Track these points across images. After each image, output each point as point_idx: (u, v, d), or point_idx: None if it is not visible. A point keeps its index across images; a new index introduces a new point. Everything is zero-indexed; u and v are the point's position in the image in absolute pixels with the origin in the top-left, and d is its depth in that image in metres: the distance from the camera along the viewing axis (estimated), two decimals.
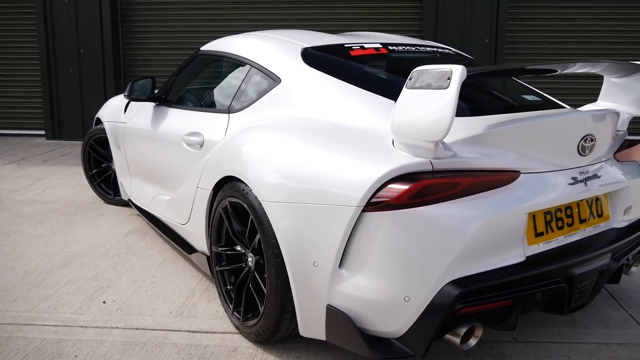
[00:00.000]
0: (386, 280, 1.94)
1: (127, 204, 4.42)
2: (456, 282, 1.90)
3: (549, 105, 2.60)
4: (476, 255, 1.94)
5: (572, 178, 2.18)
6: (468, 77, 1.86)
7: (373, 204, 1.93)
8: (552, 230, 2.17)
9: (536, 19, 7.72)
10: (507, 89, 2.79)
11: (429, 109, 1.85)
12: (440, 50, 3.13)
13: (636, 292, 3.04)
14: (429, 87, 1.87)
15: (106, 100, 8.01)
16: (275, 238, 2.19)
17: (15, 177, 5.85)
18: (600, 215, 2.38)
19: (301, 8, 7.95)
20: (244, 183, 2.39)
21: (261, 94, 2.77)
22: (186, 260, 3.49)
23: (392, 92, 2.34)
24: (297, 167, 2.19)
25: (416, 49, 3.01)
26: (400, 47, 2.96)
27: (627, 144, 2.67)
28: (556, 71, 2.40)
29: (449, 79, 1.83)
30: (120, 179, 4.35)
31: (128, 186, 4.17)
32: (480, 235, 1.93)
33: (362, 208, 1.94)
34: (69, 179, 5.74)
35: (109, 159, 4.64)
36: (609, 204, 2.42)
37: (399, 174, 1.91)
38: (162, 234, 3.49)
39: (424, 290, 1.90)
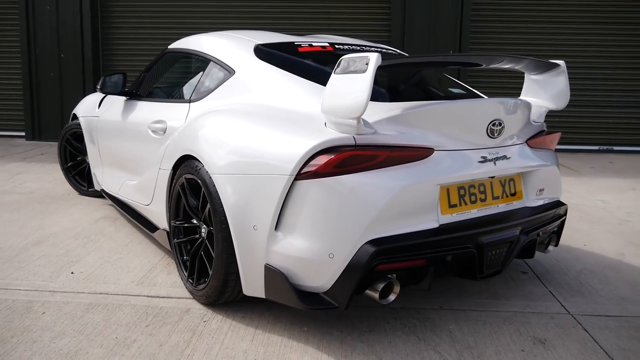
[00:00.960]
0: (314, 240, 2.23)
1: (100, 195, 4.67)
2: (373, 242, 2.20)
3: (470, 96, 2.92)
4: (392, 219, 2.24)
5: (482, 157, 2.49)
6: (389, 65, 2.18)
7: (303, 174, 2.22)
8: (466, 204, 2.48)
9: (498, 32, 8.13)
10: (434, 83, 3.10)
11: (350, 90, 2.16)
12: (383, 50, 3.45)
13: (559, 273, 3.35)
14: (350, 71, 2.18)
15: None
16: (222, 206, 2.47)
17: None
18: (513, 194, 2.69)
19: (274, 13, 8.30)
20: (198, 160, 2.67)
21: (218, 84, 3.07)
22: (151, 241, 3.75)
23: (327, 80, 2.64)
24: (242, 144, 2.48)
25: (361, 48, 3.33)
26: (346, 46, 3.28)
27: (545, 135, 3.00)
28: (481, 65, 2.72)
29: (367, 64, 2.14)
30: (94, 170, 4.60)
31: (100, 176, 4.43)
32: (395, 202, 2.23)
33: (294, 177, 2.24)
34: (46, 174, 5.97)
35: (84, 152, 4.90)
36: (522, 185, 2.74)
37: (326, 147, 2.21)
38: (130, 218, 3.76)
39: (345, 248, 2.19)
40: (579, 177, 6.39)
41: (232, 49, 3.15)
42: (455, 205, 2.44)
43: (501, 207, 2.63)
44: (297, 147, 2.25)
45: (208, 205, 2.60)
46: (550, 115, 7.85)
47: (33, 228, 4.05)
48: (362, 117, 2.25)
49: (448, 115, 2.40)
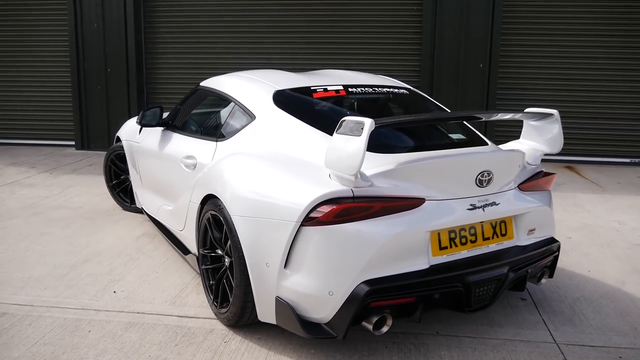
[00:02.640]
0: (316, 279, 2.57)
1: (141, 211, 5.13)
2: (368, 282, 2.53)
3: (470, 143, 3.20)
4: (385, 261, 2.56)
5: (471, 205, 2.78)
6: (381, 125, 2.50)
7: (308, 220, 2.57)
8: (456, 245, 2.77)
9: (527, 45, 8.26)
10: (435, 130, 3.38)
11: (347, 151, 2.49)
12: (395, 91, 3.75)
13: (557, 301, 3.59)
14: (349, 133, 2.51)
15: (129, 115, 8.84)
16: (240, 244, 2.84)
17: (47, 184, 6.64)
18: (504, 235, 2.96)
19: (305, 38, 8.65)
20: (221, 200, 3.04)
21: (240, 127, 3.44)
22: (184, 261, 4.16)
23: None
24: (257, 189, 2.85)
25: (373, 90, 3.64)
26: (359, 89, 3.59)
27: (542, 175, 3.25)
28: (481, 118, 2.99)
29: (362, 128, 2.46)
30: (135, 189, 5.06)
31: (141, 196, 4.88)
32: (388, 247, 2.55)
33: (299, 223, 2.59)
34: (94, 187, 6.49)
35: (127, 172, 5.36)
36: (513, 226, 3.01)
37: (327, 198, 2.55)
38: (166, 237, 4.18)
39: (343, 287, 2.53)
40: (603, 194, 6.51)
41: (254, 95, 3.51)
42: (445, 247, 2.74)
43: (492, 247, 2.91)
44: (303, 197, 2.60)
45: (229, 240, 2.97)
46: (583, 128, 8.07)
47: (81, 246, 4.53)
48: (361, 170, 2.57)
49: (438, 168, 2.70)
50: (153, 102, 9.13)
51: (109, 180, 5.60)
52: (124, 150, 5.25)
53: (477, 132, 3.40)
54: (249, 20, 8.76)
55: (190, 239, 3.65)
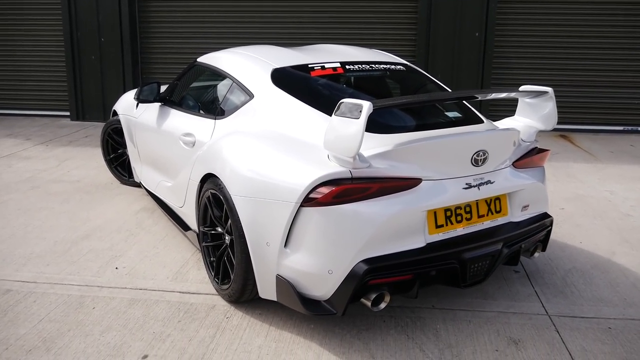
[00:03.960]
0: (316, 258, 2.64)
1: (139, 185, 5.17)
2: (366, 261, 2.60)
3: (466, 121, 3.23)
4: (383, 240, 2.63)
5: (467, 184, 2.83)
6: (378, 107, 2.54)
7: (307, 201, 2.62)
8: (452, 224, 2.84)
9: (525, 13, 8.20)
10: (432, 109, 3.40)
11: (346, 133, 2.52)
12: (392, 67, 3.76)
13: (548, 272, 3.69)
14: (347, 115, 2.54)
15: (124, 86, 8.79)
16: (240, 223, 2.90)
17: (44, 157, 6.65)
18: (498, 212, 3.03)
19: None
20: (221, 179, 3.08)
21: (239, 105, 3.46)
22: (183, 236, 4.22)
23: None
24: (256, 170, 2.89)
25: (370, 67, 3.65)
26: (356, 66, 3.60)
27: (536, 151, 3.30)
28: (477, 97, 3.03)
29: (360, 111, 2.49)
30: (133, 164, 5.09)
31: (139, 171, 4.91)
32: (385, 226, 2.61)
33: (299, 204, 2.64)
34: (90, 160, 6.51)
35: (124, 146, 5.38)
36: (508, 203, 3.07)
37: (326, 180, 2.60)
38: (165, 213, 4.23)
39: (342, 266, 2.60)
40: (596, 163, 6.58)
41: (252, 73, 3.52)
42: (441, 226, 2.81)
43: (486, 224, 2.98)
44: (302, 178, 2.64)
45: (229, 221, 3.03)
46: (577, 96, 8.09)
47: (81, 220, 4.58)
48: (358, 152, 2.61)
49: (434, 149, 2.74)
50: (148, 72, 9.08)
51: (106, 155, 5.62)
52: (120, 125, 5.26)
53: (473, 109, 3.43)
54: None
55: (190, 216, 3.70)
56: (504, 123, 3.43)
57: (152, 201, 5.03)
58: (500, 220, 3.04)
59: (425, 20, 8.15)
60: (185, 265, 3.74)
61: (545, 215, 3.29)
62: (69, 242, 4.13)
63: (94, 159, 6.55)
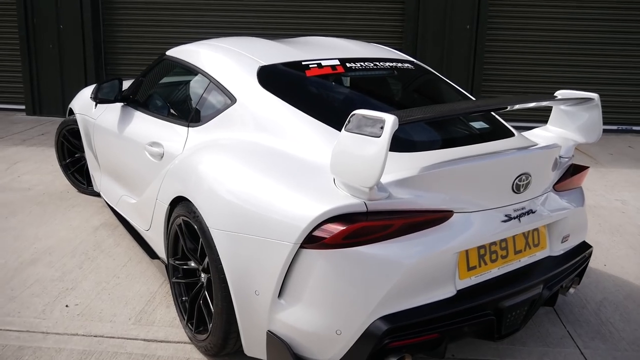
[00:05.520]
0: (320, 314, 2.05)
1: (99, 194, 4.49)
2: (385, 319, 2.02)
3: (495, 134, 2.67)
4: (406, 292, 2.05)
5: (506, 215, 2.28)
6: (405, 122, 1.95)
7: (310, 241, 2.02)
8: (485, 264, 2.28)
9: (517, 4, 7.70)
10: (455, 120, 2.84)
11: (362, 155, 1.93)
12: (399, 65, 3.18)
13: (578, 306, 3.18)
14: (363, 132, 1.95)
15: (86, 78, 8.03)
16: (222, 264, 2.29)
17: None
18: (536, 245, 2.49)
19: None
20: (195, 206, 2.47)
21: (218, 111, 2.84)
22: (150, 261, 3.59)
23: (341, 123, 2.42)
24: (242, 197, 2.27)
25: (374, 65, 3.06)
26: (358, 64, 3.00)
27: (572, 170, 2.76)
28: (506, 108, 2.46)
29: (382, 127, 1.90)
30: (92, 171, 4.42)
31: (99, 181, 4.24)
32: (410, 275, 2.04)
33: (299, 245, 2.04)
34: (45, 163, 5.78)
35: (82, 149, 4.69)
36: (547, 234, 2.53)
37: (334, 214, 2.00)
38: (129, 232, 3.59)
39: (354, 326, 2.02)
40: (597, 167, 6.14)
41: (234, 72, 2.89)
42: (474, 267, 2.25)
43: (523, 260, 2.43)
44: (303, 212, 2.05)
45: (207, 256, 2.42)
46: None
47: (29, 240, 3.90)
48: None
49: (470, 174, 2.18)
50: (112, 63, 8.30)
51: (61, 159, 4.92)
52: (77, 125, 4.57)
53: (500, 119, 2.87)
54: None
55: (157, 242, 3.07)
56: (535, 135, 2.87)
57: (113, 214, 4.36)
58: (538, 255, 2.50)
59: (413, 12, 7.58)
60: (151, 301, 3.12)
61: (585, 245, 2.77)
62: (12, 270, 3.46)
63: (49, 162, 5.81)
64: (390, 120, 1.89)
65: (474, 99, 3.17)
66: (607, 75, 7.84)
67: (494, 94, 7.86)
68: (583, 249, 2.72)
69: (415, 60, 3.39)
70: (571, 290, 2.82)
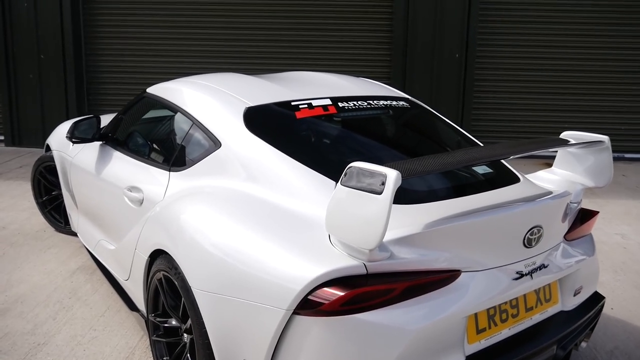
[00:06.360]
0: None
1: (77, 234, 4.26)
2: None
3: (501, 180, 2.49)
4: None
5: (517, 272, 2.09)
6: (407, 177, 1.76)
7: (304, 307, 1.82)
8: (496, 325, 2.09)
9: (506, 33, 7.64)
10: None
11: (361, 214, 1.74)
12: (394, 104, 3.01)
13: (589, 357, 2.99)
14: (362, 188, 1.76)
15: (67, 108, 7.83)
16: (205, 328, 2.08)
17: None
18: (548, 301, 2.30)
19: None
20: (177, 262, 2.25)
21: (201, 155, 2.64)
22: (128, 310, 3.35)
23: (335, 171, 2.24)
24: (229, 254, 2.07)
25: (368, 104, 2.88)
26: (351, 104, 2.83)
27: (580, 216, 2.59)
28: (515, 155, 2.28)
29: (383, 183, 1.71)
30: (69, 211, 4.18)
31: (76, 221, 4.01)
32: (416, 343, 1.84)
33: (292, 311, 1.83)
34: (22, 199, 5.53)
35: (59, 186, 4.46)
36: (559, 289, 2.34)
37: (331, 277, 1.80)
38: (106, 277, 3.35)
39: None
40: (594, 198, 6.00)
41: (218, 113, 2.69)
42: (483, 330, 2.05)
43: (535, 318, 2.24)
44: (296, 273, 1.85)
45: (189, 318, 2.20)
46: (563, 121, 7.54)
47: (0, 286, 3.64)
48: None
49: (479, 230, 1.99)
50: (95, 93, 8.09)
51: (38, 197, 4.68)
52: (54, 162, 4.35)
53: (504, 163, 2.69)
54: (203, 2, 7.80)
55: (136, 294, 2.84)
56: (541, 178, 2.70)
57: (91, 257, 4.12)
58: (550, 311, 2.31)
59: (401, 40, 7.48)
60: (130, 358, 2.87)
61: (597, 297, 2.58)
62: None
63: (26, 198, 5.55)
64: (392, 176, 1.70)
65: (474, 140, 3.00)
66: (598, 102, 7.79)
67: (483, 123, 7.75)
68: (596, 301, 2.53)
69: (410, 97, 3.23)
70: (583, 344, 2.62)
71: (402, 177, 1.72)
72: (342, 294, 1.77)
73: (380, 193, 1.70)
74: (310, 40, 7.76)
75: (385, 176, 1.71)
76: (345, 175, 1.84)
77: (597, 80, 7.71)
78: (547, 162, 7.55)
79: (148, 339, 3.02)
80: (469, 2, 7.30)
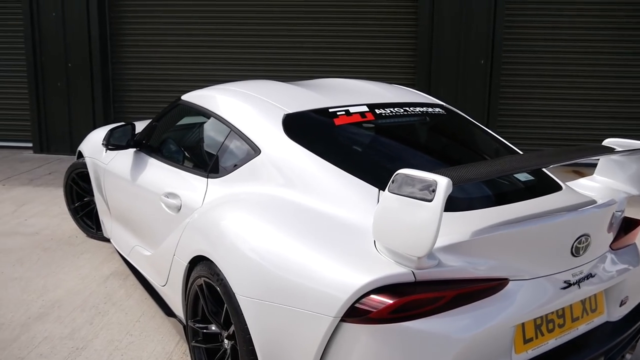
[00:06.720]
0: None
1: (109, 240, 4.30)
2: None
3: (543, 188, 2.47)
4: None
5: (565, 282, 2.07)
6: (458, 184, 1.76)
7: (351, 314, 1.82)
8: (542, 335, 2.06)
9: (532, 39, 7.59)
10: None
11: (411, 221, 1.73)
12: (430, 111, 3.00)
13: None
14: (412, 195, 1.75)
15: (94, 115, 7.93)
16: (250, 334, 2.08)
17: None
18: (594, 311, 2.27)
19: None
20: (219, 268, 2.27)
21: (240, 162, 2.65)
22: (164, 315, 3.37)
23: (377, 178, 2.25)
24: (274, 261, 2.07)
25: (404, 111, 2.88)
26: (388, 110, 2.83)
27: (624, 225, 2.55)
28: (562, 162, 2.25)
29: (433, 190, 1.71)
30: (102, 217, 4.23)
31: (109, 227, 4.05)
32: (465, 353, 1.82)
33: (339, 318, 1.83)
34: (53, 205, 5.61)
35: (92, 193, 4.51)
36: (604, 299, 2.31)
37: (379, 285, 1.80)
38: (141, 282, 3.38)
39: None
40: (636, 206, 5.90)
41: (257, 120, 2.71)
42: (530, 339, 2.03)
43: (581, 328, 2.21)
44: (344, 280, 1.85)
45: (232, 324, 2.21)
46: (590, 127, 7.46)
47: (37, 291, 3.69)
48: None
49: (527, 238, 1.97)
50: (120, 101, 8.19)
51: (70, 203, 4.74)
52: (87, 169, 4.41)
53: (546, 171, 2.67)
54: (229, 9, 7.87)
55: (174, 300, 2.86)
56: (582, 186, 2.67)
57: (124, 262, 4.16)
58: (596, 322, 2.27)
59: (426, 46, 7.47)
60: None
61: None
62: (19, 326, 3.25)
63: (57, 204, 5.64)
64: (443, 183, 1.70)
65: (513, 147, 2.98)
66: (625, 109, 7.69)
67: (510, 129, 7.69)
68: None
69: (444, 104, 3.22)
70: (628, 356, 2.58)
71: (453, 184, 1.71)
72: (391, 301, 1.76)
73: (430, 200, 1.70)
74: (335, 47, 7.79)
75: (435, 183, 1.71)
76: (393, 182, 1.83)
77: (623, 87, 7.62)
78: (575, 169, 7.47)
79: (184, 344, 3.04)
80: (494, 7, 7.27)
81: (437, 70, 7.51)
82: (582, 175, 7.22)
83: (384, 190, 2.15)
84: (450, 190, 1.70)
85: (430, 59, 7.49)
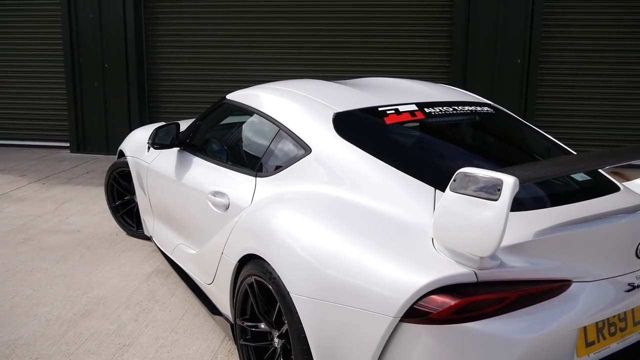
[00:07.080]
0: None
1: (149, 238, 4.35)
2: None
3: (601, 188, 2.41)
4: None
5: (629, 284, 2.02)
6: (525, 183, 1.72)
7: (411, 315, 1.80)
8: (604, 338, 2.01)
9: (570, 37, 7.45)
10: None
11: (475, 221, 1.71)
12: (479, 110, 2.96)
13: None
14: (476, 194, 1.72)
15: (129, 116, 8.03)
16: (305, 333, 2.07)
17: (39, 199, 5.83)
18: None
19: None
20: (272, 266, 2.26)
21: (290, 161, 2.65)
22: (208, 314, 3.39)
23: (432, 176, 2.22)
24: (329, 260, 2.06)
25: (454, 110, 2.85)
26: (437, 109, 2.80)
27: None
28: (628, 161, 2.20)
29: (499, 190, 1.68)
30: (143, 215, 4.28)
31: (151, 226, 4.09)
32: (528, 354, 1.79)
33: (399, 318, 1.81)
34: (92, 203, 5.69)
35: (132, 191, 4.57)
36: None
37: (440, 285, 1.77)
38: (183, 279, 3.40)
39: None
40: None
41: (306, 119, 2.70)
42: (592, 343, 1.98)
43: None
44: (404, 279, 1.82)
45: (286, 325, 2.20)
46: (629, 128, 7.28)
47: (81, 288, 3.75)
48: None
49: (591, 239, 1.93)
50: (155, 101, 8.28)
51: (111, 202, 4.81)
52: (128, 167, 4.46)
53: (602, 171, 2.61)
54: (264, 9, 7.91)
55: (220, 299, 2.87)
56: (637, 185, 2.61)
57: (165, 260, 4.20)
58: None
59: (461, 45, 7.39)
60: None
61: None
62: (66, 322, 3.30)
63: (96, 202, 5.73)
64: (510, 182, 1.66)
65: (565, 146, 2.93)
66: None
67: (547, 129, 7.56)
68: None
69: (492, 103, 3.18)
70: None
71: (520, 183, 1.68)
72: (453, 302, 1.74)
73: (496, 199, 1.67)
74: (370, 47, 7.76)
75: (501, 182, 1.68)
76: (454, 180, 1.81)
77: None
78: (614, 170, 7.31)
79: (229, 343, 3.05)
80: (532, 5, 7.16)
81: (473, 70, 7.43)
82: (622, 176, 7.07)
83: (439, 189, 2.14)
84: (517, 189, 1.67)
85: (465, 58, 7.41)
